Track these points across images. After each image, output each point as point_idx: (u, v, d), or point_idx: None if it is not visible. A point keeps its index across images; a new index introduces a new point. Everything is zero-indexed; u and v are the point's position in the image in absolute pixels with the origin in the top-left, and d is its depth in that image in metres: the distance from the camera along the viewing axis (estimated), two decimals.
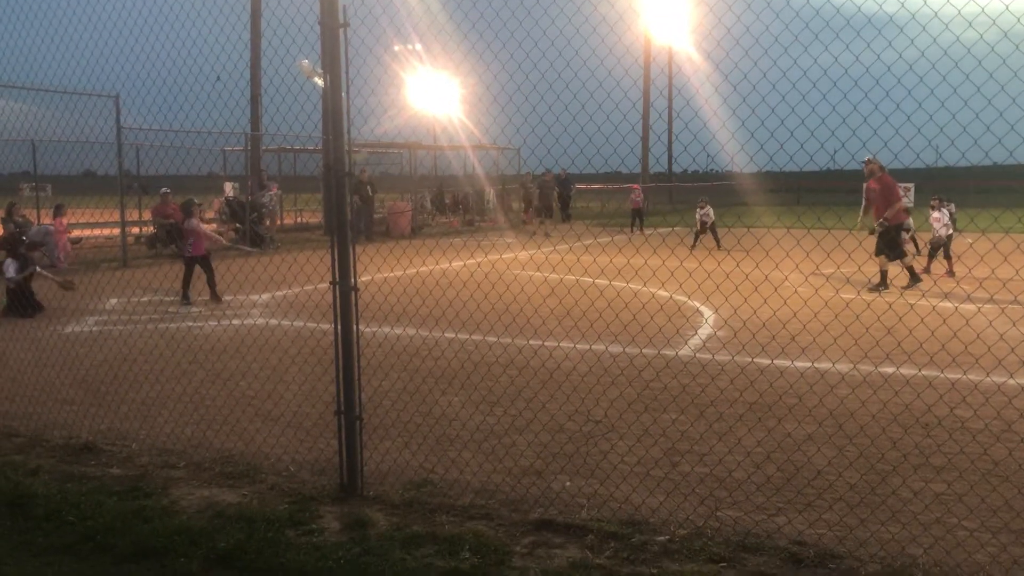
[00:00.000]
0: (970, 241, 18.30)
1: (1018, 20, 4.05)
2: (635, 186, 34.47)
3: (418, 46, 30.86)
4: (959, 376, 7.44)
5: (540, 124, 5.36)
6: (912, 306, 10.09)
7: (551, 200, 29.82)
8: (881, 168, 14.41)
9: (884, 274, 14.42)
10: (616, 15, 4.98)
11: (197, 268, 14.11)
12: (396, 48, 31.53)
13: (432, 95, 38.49)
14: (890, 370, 8.05)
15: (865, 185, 15.28)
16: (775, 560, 4.39)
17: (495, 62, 5.26)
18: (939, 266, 16.70)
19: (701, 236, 23.28)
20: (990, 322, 9.38)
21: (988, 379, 7.33)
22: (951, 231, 17.10)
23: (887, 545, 4.55)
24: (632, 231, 29.63)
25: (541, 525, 4.86)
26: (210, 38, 6.43)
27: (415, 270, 16.80)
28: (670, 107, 49.56)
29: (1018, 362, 8.22)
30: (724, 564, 4.35)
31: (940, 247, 16.93)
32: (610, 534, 4.70)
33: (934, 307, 11.46)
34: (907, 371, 7.99)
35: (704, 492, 5.36)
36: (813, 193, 50.27)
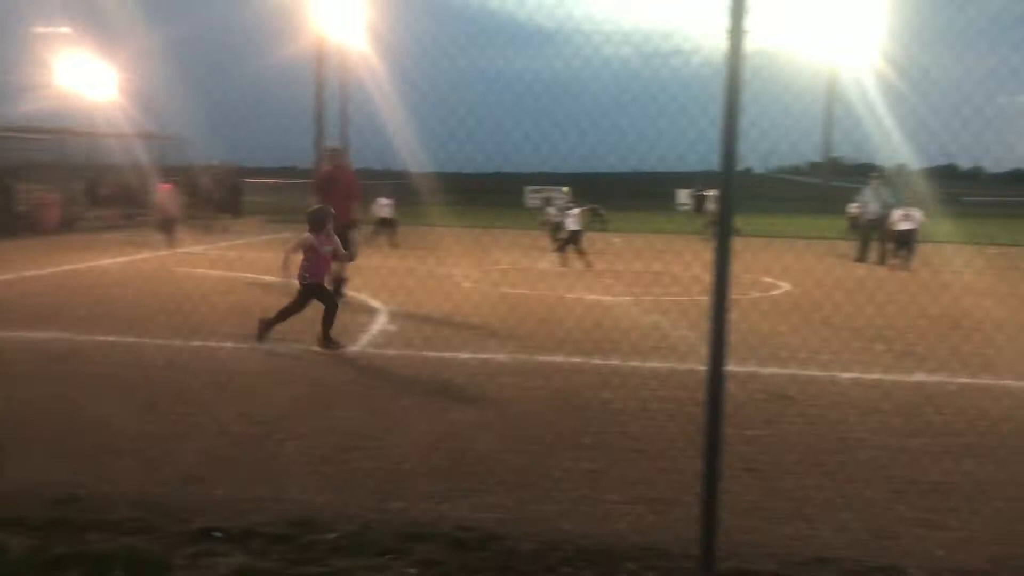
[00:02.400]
0: (617, 240, 20.10)
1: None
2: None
3: (65, 29, 28.14)
4: (604, 361, 8.16)
5: (212, 114, 5.12)
6: (562, 299, 10.91)
7: (221, 194, 28.60)
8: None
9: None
10: (289, 9, 4.89)
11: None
12: (42, 30, 28.56)
13: (89, 79, 35.31)
14: (544, 358, 8.64)
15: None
16: (441, 547, 4.55)
17: (164, 49, 4.95)
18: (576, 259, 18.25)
19: (381, 234, 23.54)
20: (626, 312, 10.37)
21: (628, 363, 8.11)
22: (579, 227, 19.00)
23: (542, 523, 4.88)
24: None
25: (204, 534, 4.66)
26: None
27: (66, 268, 15.34)
28: (343, 105, 49.29)
29: (650, 348, 9.14)
30: (392, 555, 4.44)
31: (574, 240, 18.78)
32: (278, 536, 4.61)
33: (581, 299, 12.46)
34: (559, 358, 8.62)
35: (373, 486, 5.42)
36: (487, 194, 52.55)
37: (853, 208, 32.43)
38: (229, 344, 9.17)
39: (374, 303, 12.82)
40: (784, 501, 5.34)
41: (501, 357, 8.75)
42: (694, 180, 39.59)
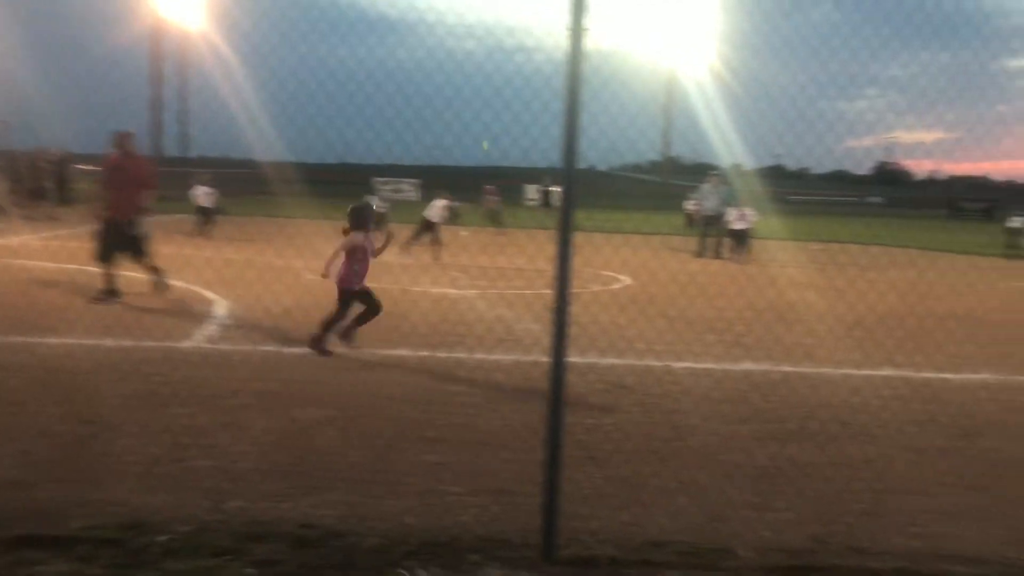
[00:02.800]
0: (464, 233, 20.20)
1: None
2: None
3: None
4: (449, 355, 8.18)
5: (40, 98, 4.79)
6: (406, 292, 10.87)
7: (46, 181, 26.89)
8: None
9: None
10: None
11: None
12: None
13: None
14: (387, 352, 8.58)
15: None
16: (281, 546, 4.44)
17: None
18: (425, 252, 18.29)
19: (203, 223, 22.93)
20: (472, 305, 10.44)
21: (473, 356, 8.15)
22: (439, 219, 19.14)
23: (386, 518, 4.84)
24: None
25: (22, 542, 4.37)
26: None
27: None
28: (181, 90, 47.43)
29: (495, 340, 9.24)
30: (230, 556, 4.30)
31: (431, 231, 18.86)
32: (106, 541, 4.38)
33: (427, 292, 12.46)
34: (403, 352, 8.58)
35: (210, 485, 5.23)
36: (334, 185, 51.65)
37: (690, 205, 33.91)
38: (52, 339, 8.63)
39: (210, 296, 12.37)
40: (622, 488, 5.51)
41: (344, 351, 8.62)
42: (542, 176, 40.23)
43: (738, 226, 21.28)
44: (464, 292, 10.16)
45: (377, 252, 9.01)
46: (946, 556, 4.79)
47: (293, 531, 4.60)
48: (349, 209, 8.95)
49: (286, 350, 8.25)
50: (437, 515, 4.93)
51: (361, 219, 8.83)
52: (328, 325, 8.63)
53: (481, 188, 30.27)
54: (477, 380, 7.71)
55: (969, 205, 57.29)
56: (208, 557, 4.27)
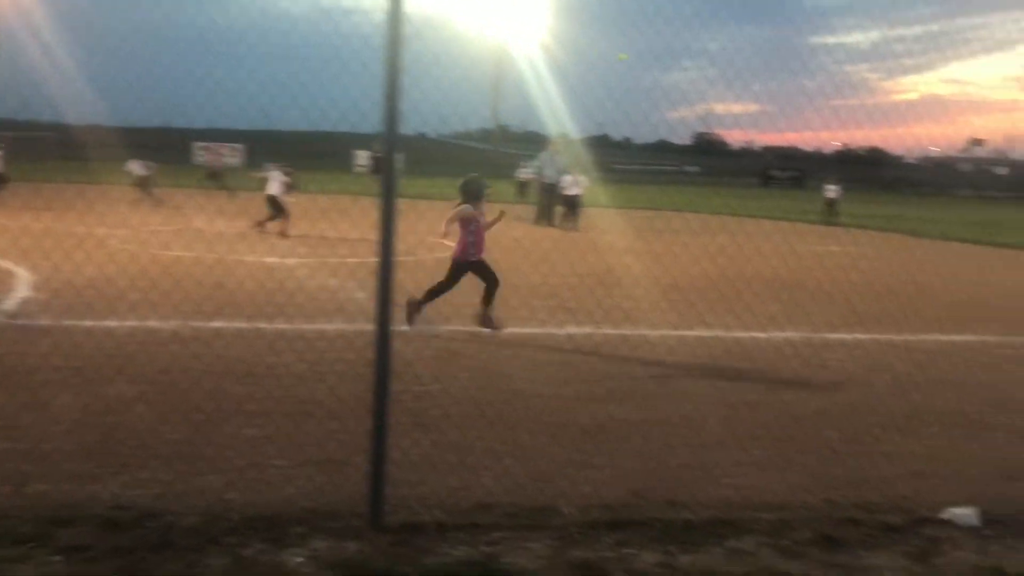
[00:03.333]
0: (291, 201, 19.58)
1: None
2: None
3: None
4: (270, 325, 7.94)
5: None
6: (222, 261, 10.45)
7: None
8: None
9: None
10: None
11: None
12: None
13: None
14: (202, 323, 8.22)
15: None
16: (90, 528, 4.19)
17: None
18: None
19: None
20: (294, 274, 10.17)
21: (295, 326, 7.94)
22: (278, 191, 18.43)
23: (205, 494, 4.66)
24: None
25: None
26: None
27: None
28: None
29: (318, 309, 9.04)
30: (33, 544, 4.02)
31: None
32: None
33: (243, 261, 12.03)
34: (219, 323, 8.26)
35: (10, 469, 4.87)
36: (154, 151, 49.04)
37: (524, 173, 34.32)
38: None
39: (5, 266, 11.47)
40: (450, 453, 5.53)
41: (155, 324, 8.20)
42: (372, 142, 39.44)
43: (571, 192, 21.78)
44: (284, 260, 9.81)
45: (487, 225, 8.98)
46: (755, 505, 5.09)
47: (103, 513, 4.35)
48: (461, 182, 8.94)
49: (91, 323, 7.76)
50: (259, 489, 4.79)
51: (472, 192, 8.84)
52: (433, 294, 8.62)
53: (311, 156, 29.55)
54: (299, 351, 7.52)
55: (779, 174, 60.82)
56: (8, 546, 3.98)
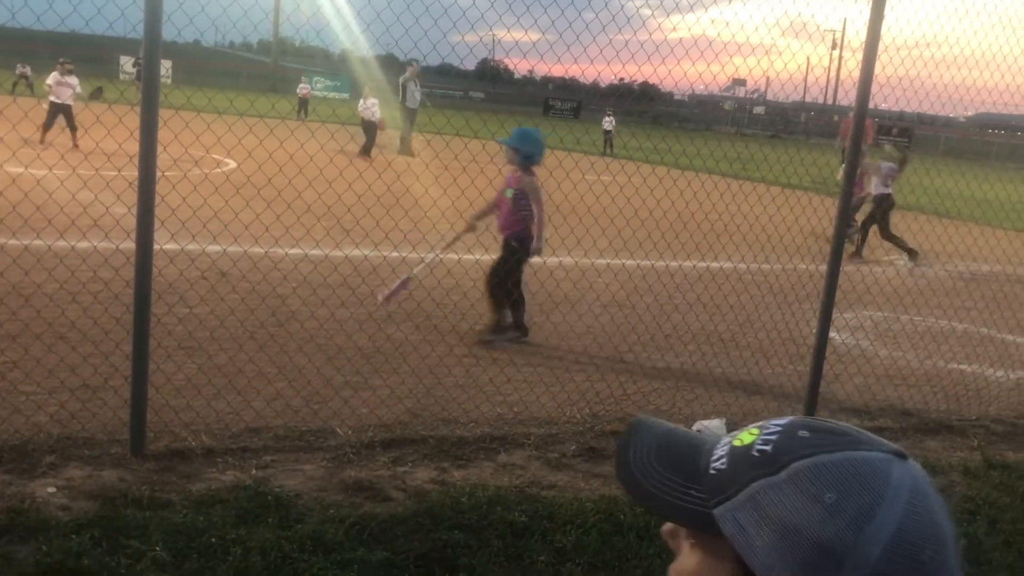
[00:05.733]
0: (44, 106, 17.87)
1: None
2: None
3: None
4: (19, 242, 7.24)
5: None
6: None
7: None
8: None
9: None
10: None
11: None
12: None
13: None
14: None
15: None
16: None
17: None
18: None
19: None
20: (50, 188, 9.36)
21: (46, 244, 7.28)
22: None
23: None
24: None
25: None
26: None
27: None
28: None
29: (72, 226, 8.33)
30: None
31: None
32: None
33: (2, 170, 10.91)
34: None
35: None
36: None
37: (301, 89, 33.10)
38: None
39: None
40: (218, 376, 5.34)
41: None
42: (139, 47, 36.11)
43: (366, 116, 20.96)
44: (30, 169, 8.87)
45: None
46: (525, 420, 5.29)
47: None
48: (520, 134, 7.10)
49: None
50: (6, 418, 4.43)
51: (537, 152, 6.91)
52: (516, 309, 6.96)
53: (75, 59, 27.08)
54: (52, 270, 6.93)
55: (559, 104, 62.18)
56: None
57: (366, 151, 19.08)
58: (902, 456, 0.83)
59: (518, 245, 6.80)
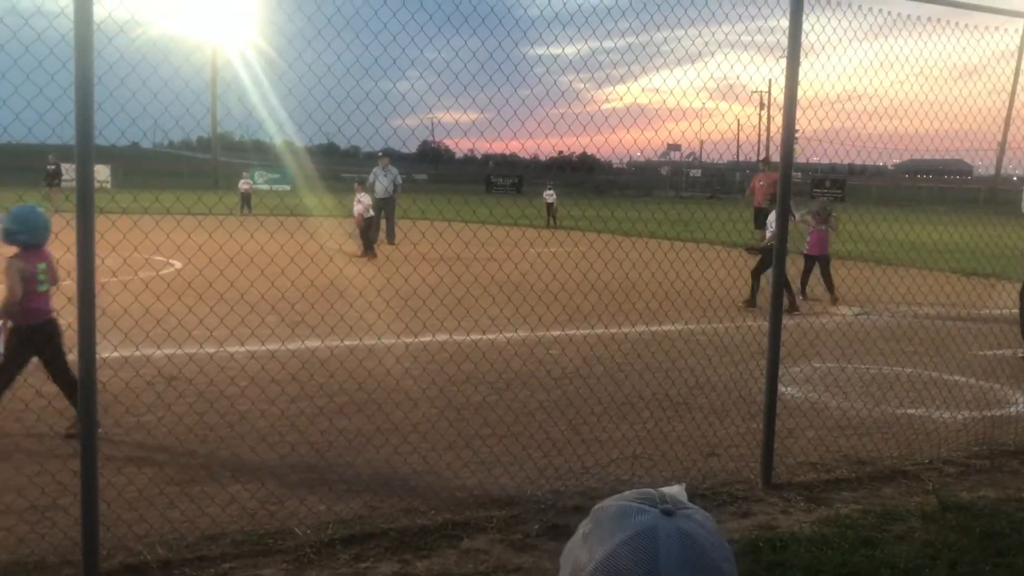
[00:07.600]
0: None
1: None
2: None
3: None
4: None
5: None
6: None
7: None
8: None
9: None
10: None
11: None
12: None
13: None
14: None
15: None
16: None
17: None
18: None
19: None
20: None
21: None
22: None
23: None
24: None
25: None
26: None
27: None
28: None
29: None
30: None
31: None
32: None
33: None
34: None
35: None
36: None
37: (242, 184, 32.99)
38: None
39: None
40: (170, 485, 5.25)
41: None
42: (47, 153, 34.39)
43: (360, 212, 20.59)
44: None
45: None
46: (486, 503, 5.25)
47: None
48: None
49: None
50: None
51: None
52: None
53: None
54: None
55: (500, 180, 62.95)
56: None
57: (368, 247, 19.10)
58: (668, 514, 1.12)
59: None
